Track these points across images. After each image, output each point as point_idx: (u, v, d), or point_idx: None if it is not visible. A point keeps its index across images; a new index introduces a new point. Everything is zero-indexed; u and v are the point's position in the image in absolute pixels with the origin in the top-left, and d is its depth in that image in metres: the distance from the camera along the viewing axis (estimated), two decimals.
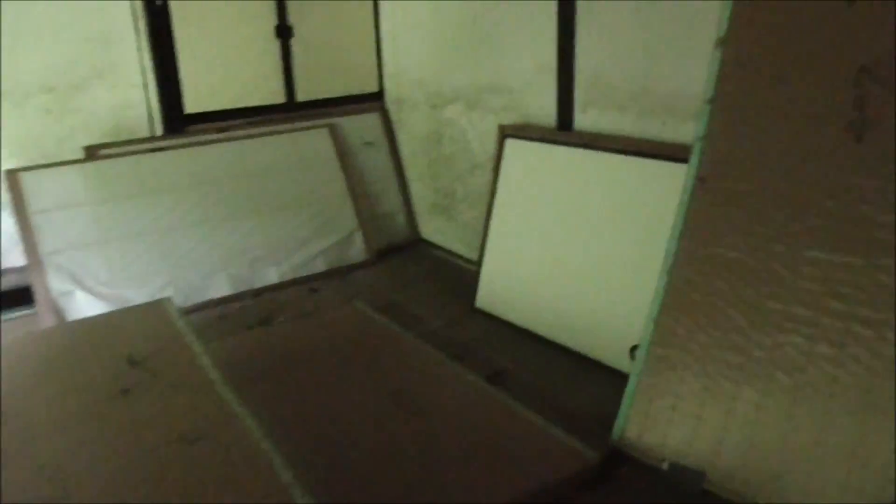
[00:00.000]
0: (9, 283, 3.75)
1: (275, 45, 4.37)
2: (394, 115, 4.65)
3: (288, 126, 4.31)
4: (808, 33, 2.05)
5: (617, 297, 2.79)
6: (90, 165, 3.68)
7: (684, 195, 2.26)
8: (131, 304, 3.34)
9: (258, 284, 3.80)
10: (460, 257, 4.14)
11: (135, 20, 4.07)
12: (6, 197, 3.47)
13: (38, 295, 3.33)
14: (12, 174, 3.45)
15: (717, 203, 2.18)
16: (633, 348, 2.62)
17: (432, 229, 4.46)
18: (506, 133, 3.42)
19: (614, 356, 2.75)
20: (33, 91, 3.94)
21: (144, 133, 4.18)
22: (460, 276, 3.91)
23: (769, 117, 2.11)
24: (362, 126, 4.57)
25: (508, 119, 3.55)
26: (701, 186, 2.21)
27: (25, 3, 3.77)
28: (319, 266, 4.00)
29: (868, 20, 1.91)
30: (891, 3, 1.87)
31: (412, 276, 3.99)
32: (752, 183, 2.11)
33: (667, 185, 2.60)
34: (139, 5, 3.97)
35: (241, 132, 4.16)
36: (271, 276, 3.84)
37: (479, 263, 3.52)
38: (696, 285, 2.15)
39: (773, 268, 2.01)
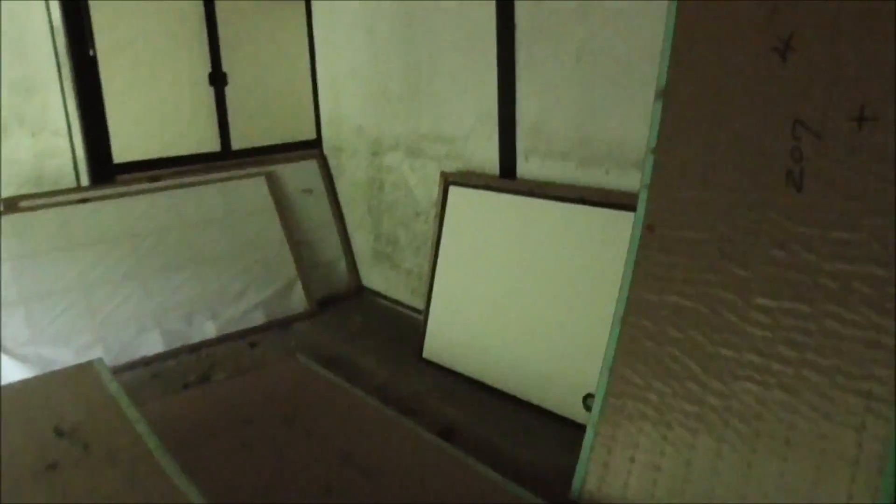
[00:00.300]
0: None
1: (208, 93, 4.27)
2: (332, 162, 4.60)
3: (223, 174, 4.19)
4: (746, 86, 2.11)
5: (567, 345, 2.77)
6: (10, 218, 3.47)
7: (633, 243, 2.27)
8: (56, 365, 3.14)
9: (194, 339, 3.63)
10: (405, 305, 4.08)
11: (59, 66, 3.92)
12: None
13: None
14: None
15: (666, 251, 2.20)
16: (586, 397, 2.60)
17: (375, 277, 4.39)
18: (449, 180, 3.41)
19: (567, 406, 2.72)
20: None
21: (70, 183, 4.01)
22: (405, 325, 3.84)
23: (712, 167, 2.15)
24: (300, 173, 4.50)
25: (451, 166, 3.54)
26: (649, 234, 2.23)
27: None
28: (258, 318, 3.86)
29: (802, 74, 1.99)
30: (822, 58, 1.95)
31: (355, 327, 3.89)
32: (698, 231, 2.14)
33: (613, 233, 2.63)
34: (64, 51, 3.83)
35: (173, 181, 4.02)
36: (208, 330, 3.68)
37: (425, 312, 3.47)
38: (649, 333, 2.15)
39: (724, 315, 2.03)
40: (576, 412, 2.65)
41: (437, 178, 3.58)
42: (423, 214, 3.82)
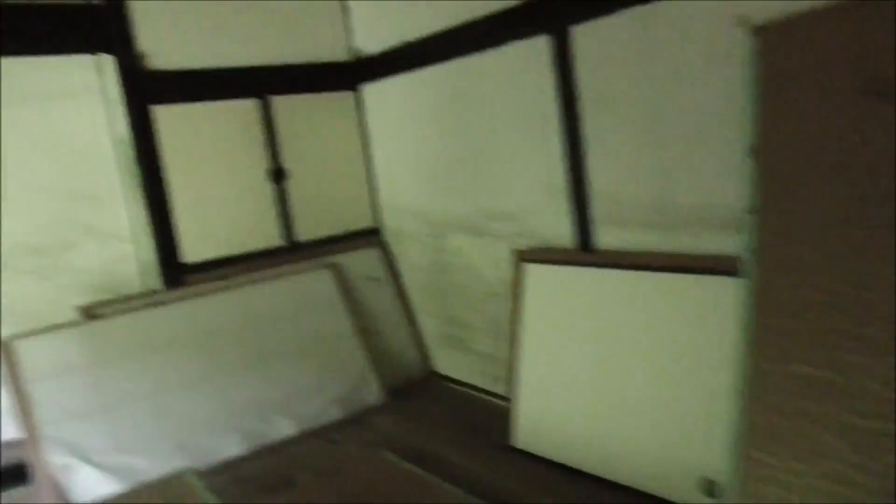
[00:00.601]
0: (7, 458, 3.45)
1: (269, 189, 4.31)
2: (394, 248, 4.57)
3: (288, 269, 4.19)
4: (848, 133, 2.02)
5: (676, 424, 2.59)
6: (86, 327, 3.48)
7: (744, 310, 2.14)
8: (139, 474, 3.09)
9: (273, 439, 3.53)
10: (481, 390, 3.94)
11: (125, 173, 4.01)
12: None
13: (37, 470, 3.03)
14: (5, 343, 3.23)
15: (782, 315, 2.06)
16: (705, 481, 2.42)
17: (447, 362, 4.27)
18: (523, 258, 3.33)
19: (682, 491, 2.52)
20: (20, 253, 3.81)
21: (137, 287, 4.03)
22: (485, 411, 3.69)
23: (824, 222, 2.03)
24: (363, 262, 4.47)
25: (520, 243, 3.47)
26: (762, 300, 2.10)
27: (7, 164, 3.72)
28: (335, 413, 3.75)
29: None
30: None
31: (434, 416, 3.75)
32: (818, 292, 2.00)
33: (711, 300, 2.50)
34: (129, 159, 3.93)
35: (241, 279, 4.02)
36: (286, 428, 3.58)
37: (509, 397, 3.32)
38: (778, 407, 1.98)
39: (860, 382, 1.86)
40: (692, 497, 2.45)
41: (505, 256, 3.51)
42: (494, 294, 3.72)
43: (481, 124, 3.60)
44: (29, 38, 3.73)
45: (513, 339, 3.33)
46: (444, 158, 3.92)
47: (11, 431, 3.47)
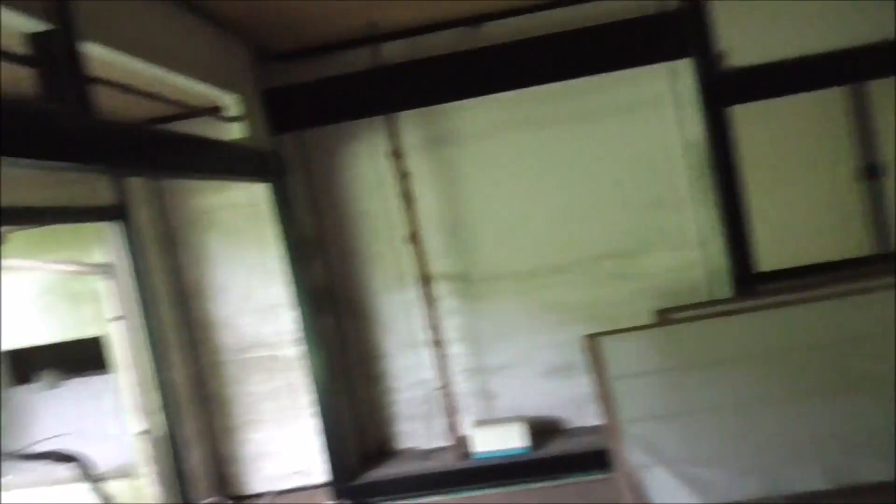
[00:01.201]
0: (590, 444, 3.80)
1: (858, 189, 3.74)
2: None
3: (881, 283, 3.54)
4: None
5: None
6: (661, 330, 3.54)
7: None
8: (710, 487, 3.02)
9: (862, 479, 3.02)
10: None
11: (691, 178, 3.99)
12: (588, 360, 3.52)
13: (617, 465, 3.21)
14: (593, 338, 3.50)
15: None
16: None
17: None
18: None
19: None
20: (601, 257, 4.12)
21: (703, 294, 3.96)
22: None
23: None
24: None
25: None
26: None
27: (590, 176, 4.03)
28: None
29: None
30: None
31: None
32: None
33: None
34: (698, 162, 3.87)
35: (821, 292, 3.56)
36: (878, 470, 3.02)
37: None
38: None
39: None
40: None
41: None
42: None
43: None
44: (609, 55, 3.97)
45: None
46: None
47: (594, 419, 3.79)
